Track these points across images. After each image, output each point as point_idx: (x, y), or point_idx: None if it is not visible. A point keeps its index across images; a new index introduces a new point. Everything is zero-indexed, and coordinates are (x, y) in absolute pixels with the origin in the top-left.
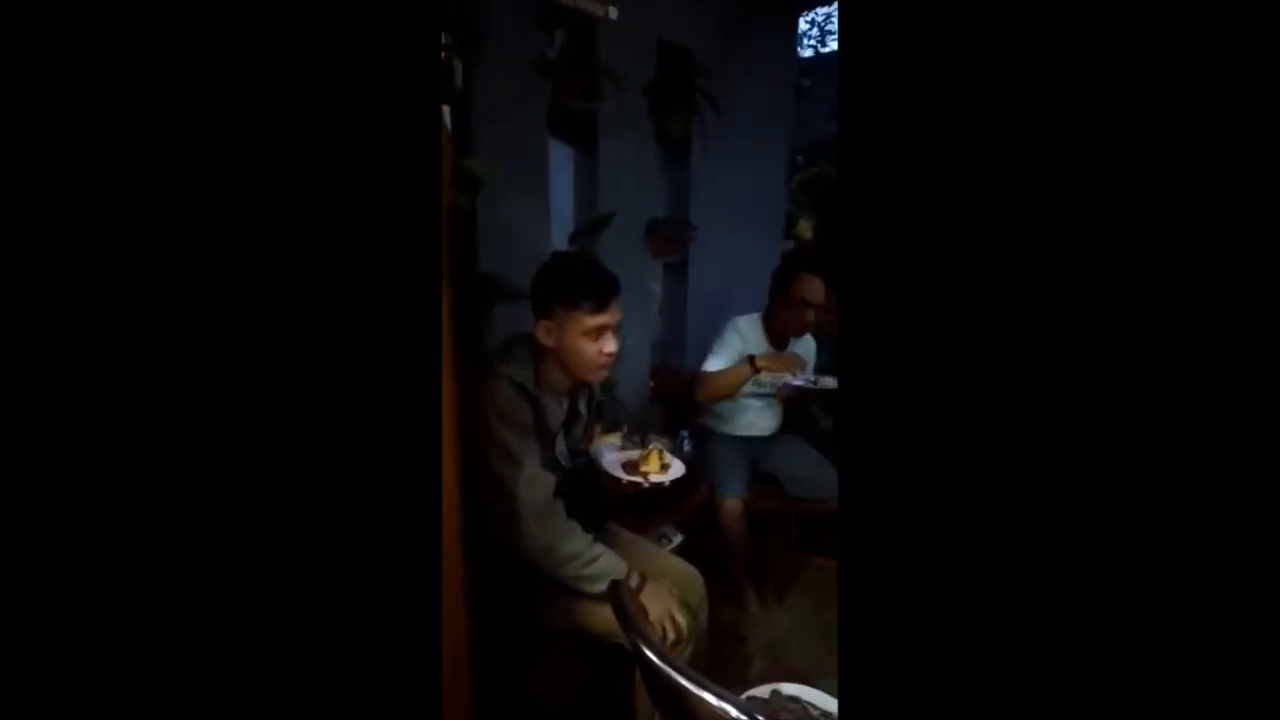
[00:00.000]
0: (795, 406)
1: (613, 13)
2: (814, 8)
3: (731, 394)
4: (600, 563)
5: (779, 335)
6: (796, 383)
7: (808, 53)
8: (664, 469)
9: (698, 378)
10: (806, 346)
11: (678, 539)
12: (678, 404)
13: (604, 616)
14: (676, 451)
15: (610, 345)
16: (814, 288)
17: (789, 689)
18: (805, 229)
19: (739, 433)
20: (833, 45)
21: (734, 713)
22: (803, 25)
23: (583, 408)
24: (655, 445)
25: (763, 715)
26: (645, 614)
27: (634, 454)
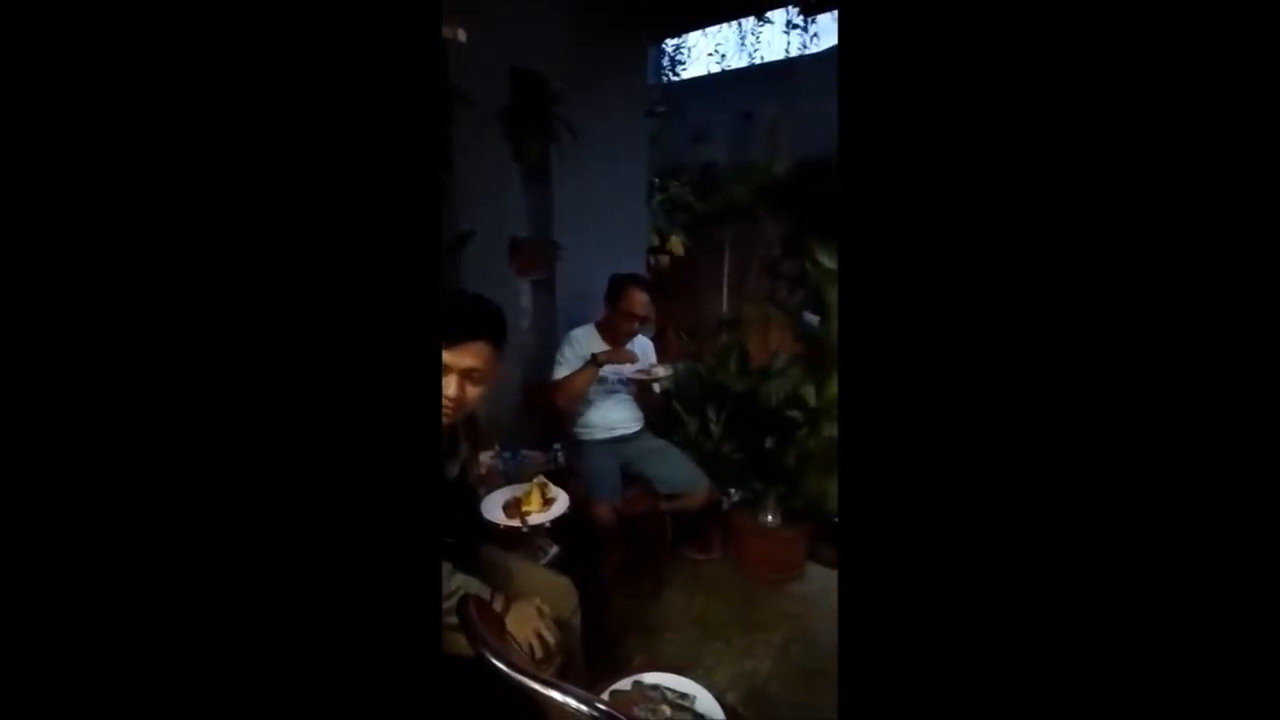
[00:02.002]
0: (655, 406)
1: (461, 35)
2: (663, 40)
3: (585, 392)
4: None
5: (614, 339)
6: (636, 370)
7: (663, 80)
8: (546, 505)
9: (551, 388)
10: (645, 346)
11: (553, 550)
12: (549, 417)
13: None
14: (551, 462)
15: (449, 389)
16: (639, 301)
17: (650, 678)
18: (677, 245)
19: (605, 435)
20: (684, 74)
21: (576, 706)
22: (655, 54)
23: (462, 440)
24: (538, 480)
25: (622, 706)
26: (500, 627)
27: (517, 491)
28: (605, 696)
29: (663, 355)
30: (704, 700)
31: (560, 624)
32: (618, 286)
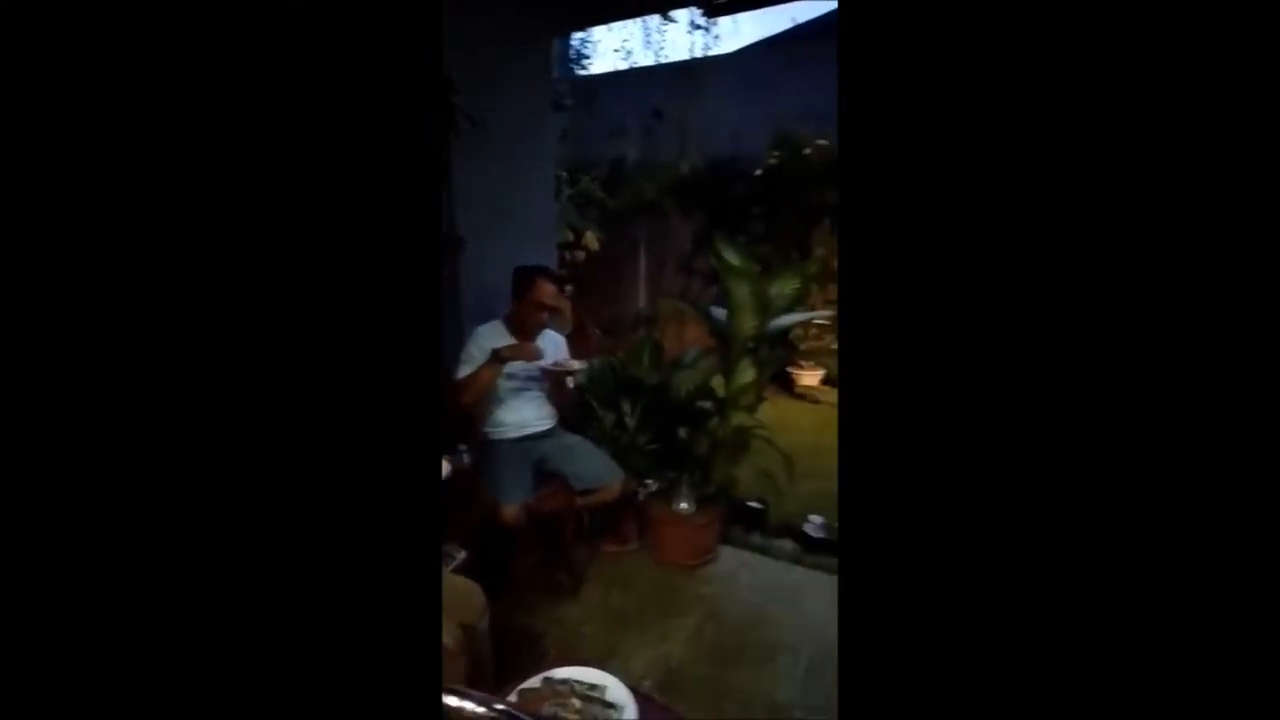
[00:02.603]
0: (568, 402)
1: None
2: (568, 33)
3: (488, 389)
4: None
5: (523, 333)
6: (553, 364)
7: (570, 72)
8: None
9: (455, 387)
10: (557, 341)
11: (461, 555)
12: (456, 417)
13: None
14: (457, 464)
15: None
16: (547, 290)
17: (560, 673)
18: (592, 240)
19: (518, 434)
20: (590, 69)
21: (472, 709)
22: (560, 47)
23: None
24: None
25: (530, 705)
26: None
27: None
28: (513, 697)
29: (580, 352)
30: (614, 689)
31: (467, 629)
32: (524, 278)
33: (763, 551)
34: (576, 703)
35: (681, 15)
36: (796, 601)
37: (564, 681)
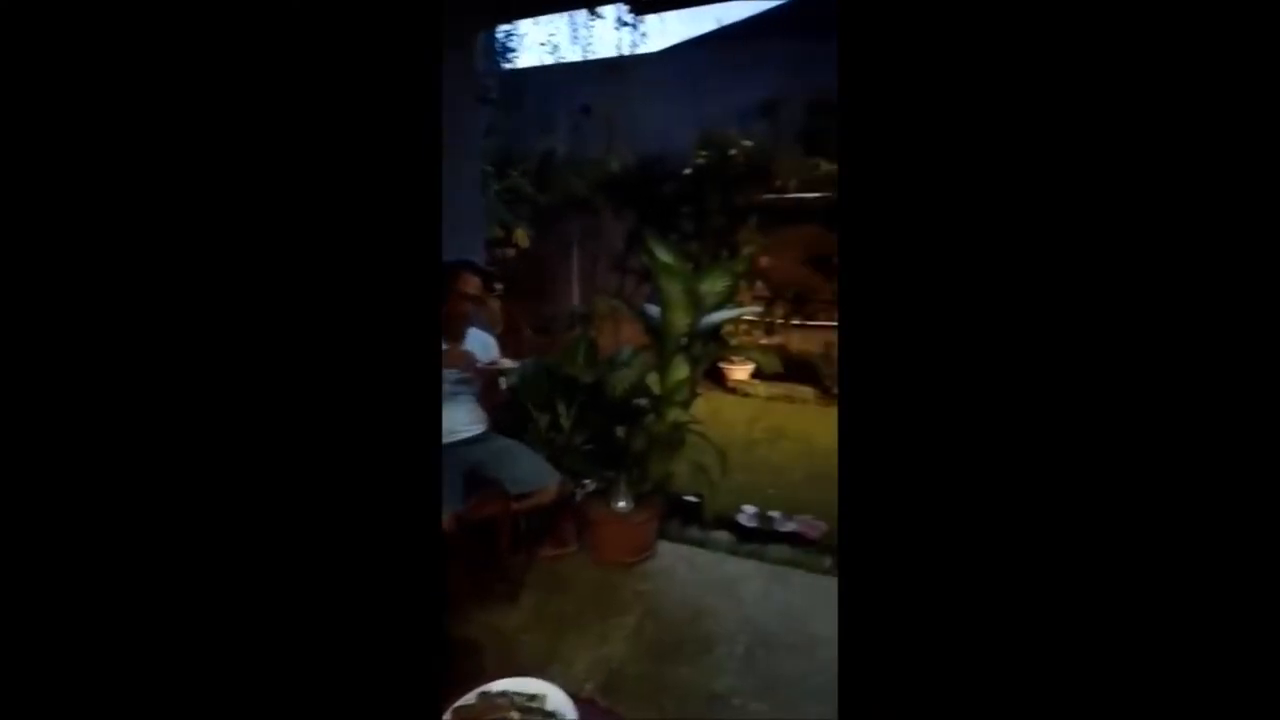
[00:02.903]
0: (500, 404)
1: None
2: (494, 26)
3: None
4: None
5: (449, 330)
6: (486, 363)
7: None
8: None
9: None
10: (486, 342)
11: None
12: None
13: None
14: None
15: None
16: (472, 282)
17: (498, 685)
18: (523, 236)
19: (447, 439)
20: (516, 63)
21: None
22: (486, 40)
23: None
24: None
25: None
26: None
27: None
28: (448, 717)
29: (512, 352)
30: (554, 697)
31: None
32: (446, 271)
33: (699, 545)
34: (515, 715)
35: (609, 11)
36: (732, 591)
37: (502, 694)
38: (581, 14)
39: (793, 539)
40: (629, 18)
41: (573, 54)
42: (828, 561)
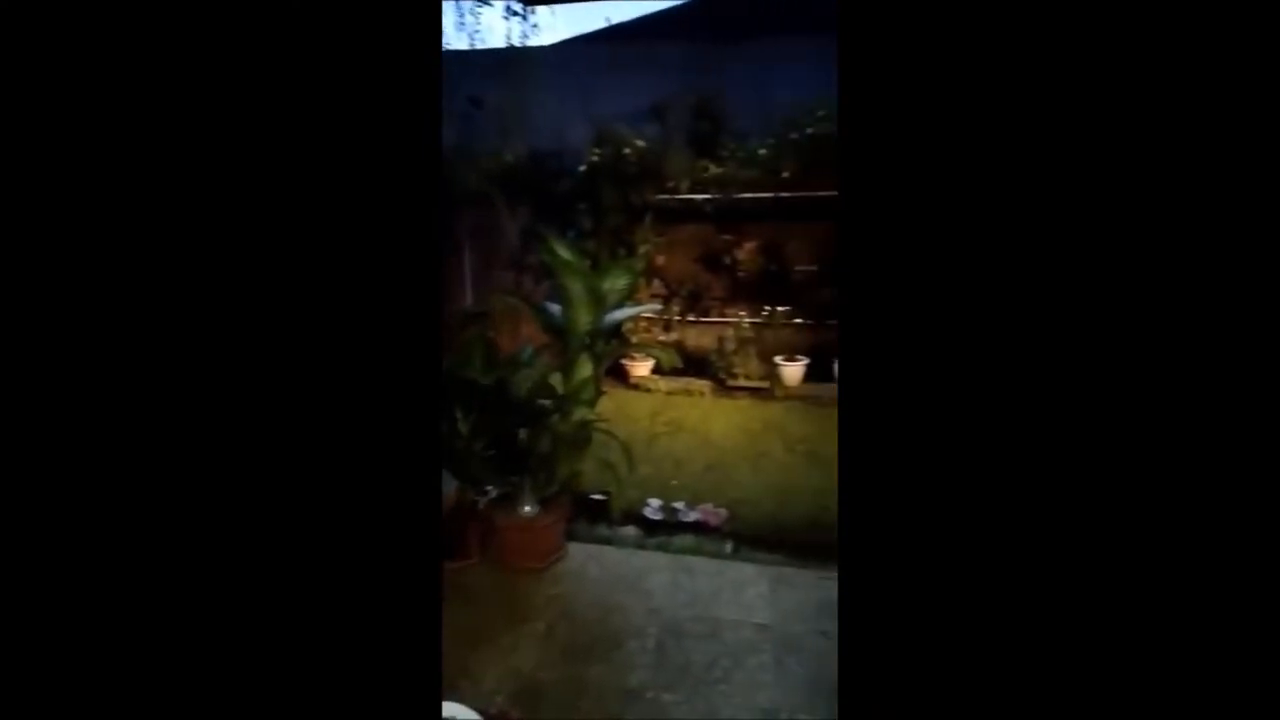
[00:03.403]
0: None
1: None
2: None
3: None
4: None
5: None
6: None
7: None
8: None
9: None
10: None
11: None
12: None
13: None
14: None
15: None
16: None
17: None
18: None
19: None
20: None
21: None
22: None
23: None
24: None
25: None
26: None
27: None
28: None
29: None
30: (460, 716)
31: None
32: None
33: (608, 542)
34: None
35: (497, 1)
36: (641, 585)
37: None
38: (468, 2)
39: (696, 528)
40: (518, 7)
41: (459, 42)
42: (729, 547)
